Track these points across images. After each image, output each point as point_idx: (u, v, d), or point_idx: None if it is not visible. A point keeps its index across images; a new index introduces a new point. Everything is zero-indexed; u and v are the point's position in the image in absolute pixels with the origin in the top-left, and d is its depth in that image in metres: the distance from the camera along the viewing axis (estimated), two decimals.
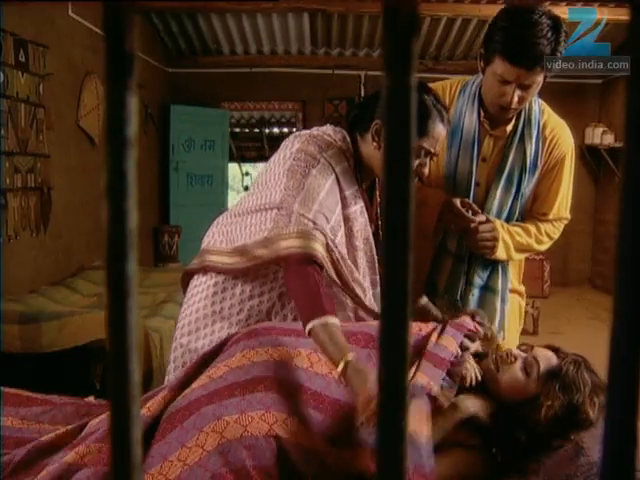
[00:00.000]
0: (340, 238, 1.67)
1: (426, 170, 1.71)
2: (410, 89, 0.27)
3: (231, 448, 1.26)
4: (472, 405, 1.46)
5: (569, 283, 7.79)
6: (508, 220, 2.00)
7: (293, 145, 1.73)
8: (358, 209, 1.73)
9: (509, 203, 1.99)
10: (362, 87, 7.69)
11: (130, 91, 0.26)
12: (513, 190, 1.97)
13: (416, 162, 1.68)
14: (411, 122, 0.27)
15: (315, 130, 1.79)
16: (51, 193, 4.53)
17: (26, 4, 4.07)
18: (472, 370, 1.51)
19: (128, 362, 0.27)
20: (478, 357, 1.65)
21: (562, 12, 5.72)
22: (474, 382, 1.50)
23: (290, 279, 1.57)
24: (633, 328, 0.28)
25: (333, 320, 1.45)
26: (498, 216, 1.99)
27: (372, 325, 1.65)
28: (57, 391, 1.83)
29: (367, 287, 1.76)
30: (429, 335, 1.62)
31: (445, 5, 5.96)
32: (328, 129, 1.79)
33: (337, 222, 1.67)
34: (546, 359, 1.51)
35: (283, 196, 1.63)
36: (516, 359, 1.52)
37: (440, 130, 1.67)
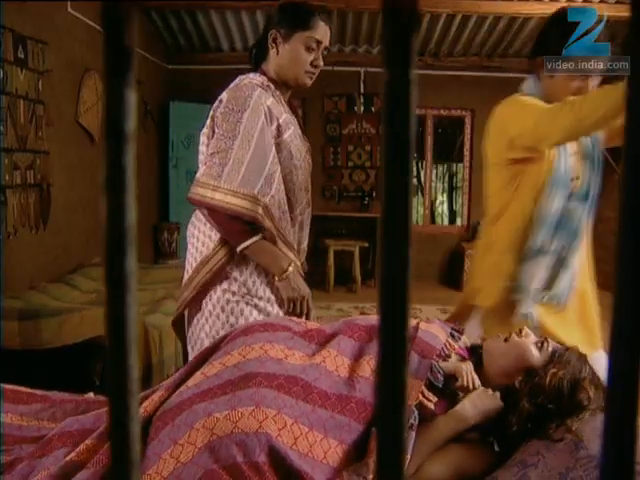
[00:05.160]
0: (277, 173, 1.93)
1: (321, 62, 1.98)
2: (410, 85, 0.27)
3: (222, 445, 1.26)
4: (473, 409, 1.46)
5: None
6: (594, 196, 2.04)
7: (221, 100, 1.93)
8: (292, 132, 1.98)
9: (597, 180, 2.04)
10: (362, 84, 7.69)
11: (129, 86, 0.26)
12: (595, 165, 2.04)
13: (311, 56, 1.96)
14: (411, 117, 0.27)
15: (235, 83, 1.98)
16: (50, 190, 4.53)
17: (25, 3, 4.06)
18: (468, 373, 1.51)
19: (127, 358, 0.27)
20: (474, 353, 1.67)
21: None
22: (472, 386, 1.50)
23: (215, 217, 1.87)
24: (633, 325, 0.28)
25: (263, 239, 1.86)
26: (591, 198, 2.04)
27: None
28: (57, 388, 1.83)
29: (304, 205, 2.08)
30: (417, 324, 1.67)
31: (445, 1, 5.95)
32: (243, 76, 1.99)
33: (275, 153, 1.92)
34: (552, 341, 1.60)
35: (216, 139, 1.87)
36: (528, 336, 1.59)
37: (322, 25, 1.95)
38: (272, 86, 1.98)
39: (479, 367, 1.62)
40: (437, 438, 1.45)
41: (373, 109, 7.79)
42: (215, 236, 1.93)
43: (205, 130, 1.98)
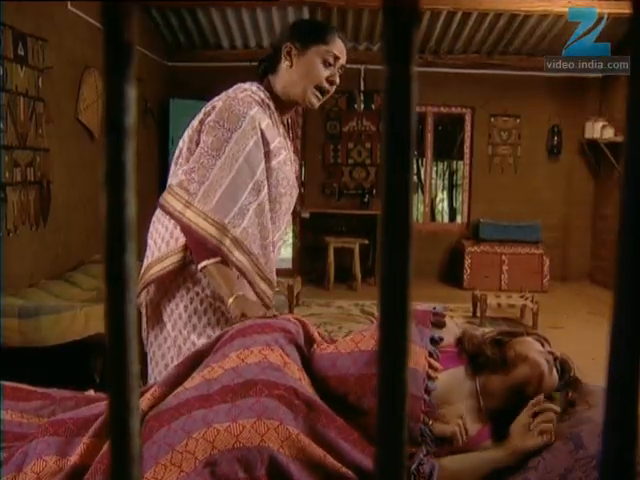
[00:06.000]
0: (264, 196, 1.85)
1: (337, 79, 1.88)
2: (411, 81, 0.27)
3: (223, 460, 1.24)
4: (521, 456, 1.43)
5: (569, 277, 7.80)
6: None
7: (214, 107, 1.83)
8: (282, 159, 1.89)
9: None
10: (362, 81, 7.68)
11: (129, 81, 0.26)
12: None
13: (327, 72, 1.86)
14: (412, 114, 0.27)
15: (238, 89, 1.88)
16: (50, 187, 4.53)
17: (23, 3, 4.06)
18: (462, 432, 1.44)
19: (127, 353, 0.27)
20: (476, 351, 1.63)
21: (562, 5, 5.72)
22: (463, 439, 1.44)
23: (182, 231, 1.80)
24: (633, 324, 0.28)
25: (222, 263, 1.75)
26: None
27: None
28: (57, 385, 1.83)
29: (283, 230, 2.02)
30: None
31: None
32: (245, 86, 1.90)
33: (259, 181, 1.83)
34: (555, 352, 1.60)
35: (200, 153, 1.79)
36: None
37: (340, 42, 1.88)
38: (272, 105, 1.90)
39: (495, 369, 1.55)
40: (485, 473, 1.42)
41: (373, 106, 7.79)
42: (182, 237, 1.83)
43: (189, 131, 1.89)
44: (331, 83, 1.87)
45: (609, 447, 0.29)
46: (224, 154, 1.76)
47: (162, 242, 1.85)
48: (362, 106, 7.81)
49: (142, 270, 1.89)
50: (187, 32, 7.32)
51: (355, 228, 7.53)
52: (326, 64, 1.85)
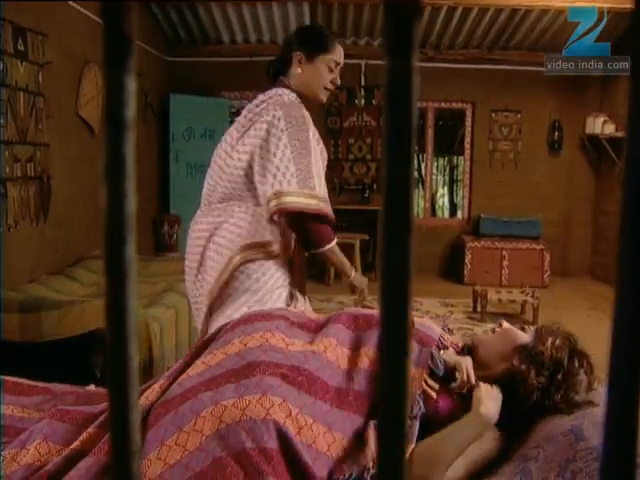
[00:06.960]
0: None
1: (339, 81, 2.25)
2: (412, 73, 0.27)
3: (230, 432, 1.28)
4: (494, 407, 1.45)
5: (569, 273, 7.80)
6: None
7: (274, 116, 2.08)
8: (319, 149, 2.22)
9: None
10: (362, 76, 7.67)
11: (129, 74, 0.26)
12: None
13: (331, 75, 2.20)
14: (413, 107, 0.27)
15: (279, 95, 2.17)
16: (51, 182, 4.53)
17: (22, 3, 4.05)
18: (468, 368, 1.51)
19: (127, 347, 0.27)
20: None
21: (563, 1, 5.70)
22: (472, 380, 1.50)
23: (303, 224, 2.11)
24: (635, 319, 0.28)
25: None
26: None
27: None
28: (57, 380, 1.84)
29: None
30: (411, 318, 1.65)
31: None
32: (280, 91, 2.19)
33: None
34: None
35: (299, 153, 2.05)
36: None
37: (339, 47, 2.23)
38: (303, 104, 2.18)
39: (474, 363, 1.63)
40: (463, 444, 1.42)
41: (374, 102, 7.78)
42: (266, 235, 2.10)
43: (244, 140, 2.10)
44: (334, 85, 2.23)
45: (610, 442, 0.29)
46: (312, 149, 2.08)
47: (237, 238, 2.09)
48: (362, 101, 7.79)
49: (230, 254, 2.10)
50: (187, 27, 7.30)
51: (355, 223, 7.52)
52: (330, 70, 2.20)
